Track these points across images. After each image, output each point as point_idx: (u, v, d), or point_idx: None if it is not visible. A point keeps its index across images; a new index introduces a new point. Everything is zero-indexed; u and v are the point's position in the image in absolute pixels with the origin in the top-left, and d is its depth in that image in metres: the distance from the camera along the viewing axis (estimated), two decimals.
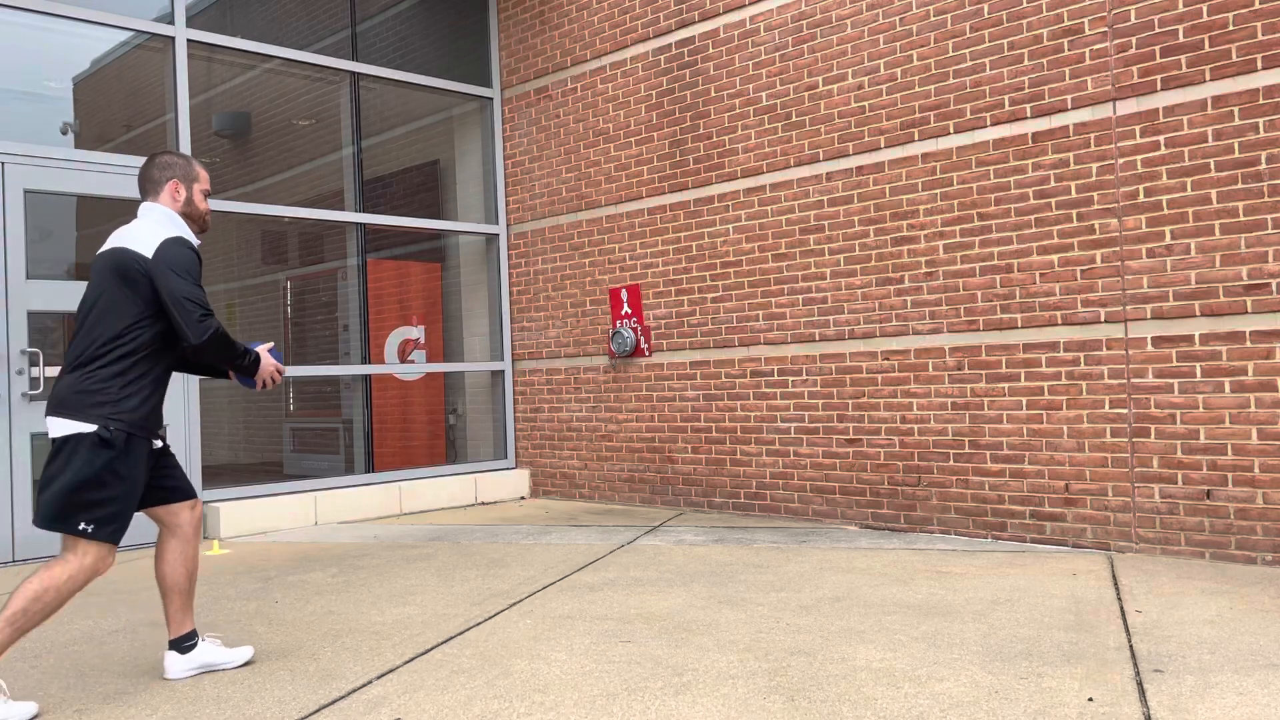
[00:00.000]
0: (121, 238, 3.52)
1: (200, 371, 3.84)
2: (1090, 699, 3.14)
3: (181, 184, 3.66)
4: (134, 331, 3.42)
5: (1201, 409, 5.17)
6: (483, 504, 8.32)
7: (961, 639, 3.84)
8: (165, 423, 3.56)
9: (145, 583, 5.43)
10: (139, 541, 6.64)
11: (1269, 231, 4.97)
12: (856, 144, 6.49)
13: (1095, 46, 5.52)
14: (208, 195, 3.77)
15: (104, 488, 3.33)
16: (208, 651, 3.71)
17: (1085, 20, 5.55)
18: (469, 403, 8.96)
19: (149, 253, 3.42)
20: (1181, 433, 5.23)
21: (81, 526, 3.31)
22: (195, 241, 3.60)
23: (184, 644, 3.66)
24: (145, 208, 3.62)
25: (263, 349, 3.76)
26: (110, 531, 3.35)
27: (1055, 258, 5.66)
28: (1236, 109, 5.06)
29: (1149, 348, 5.34)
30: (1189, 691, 3.20)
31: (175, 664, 3.66)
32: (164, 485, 3.61)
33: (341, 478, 7.82)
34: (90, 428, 3.31)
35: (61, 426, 3.34)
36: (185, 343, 3.45)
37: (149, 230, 3.50)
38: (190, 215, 3.67)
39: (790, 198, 6.84)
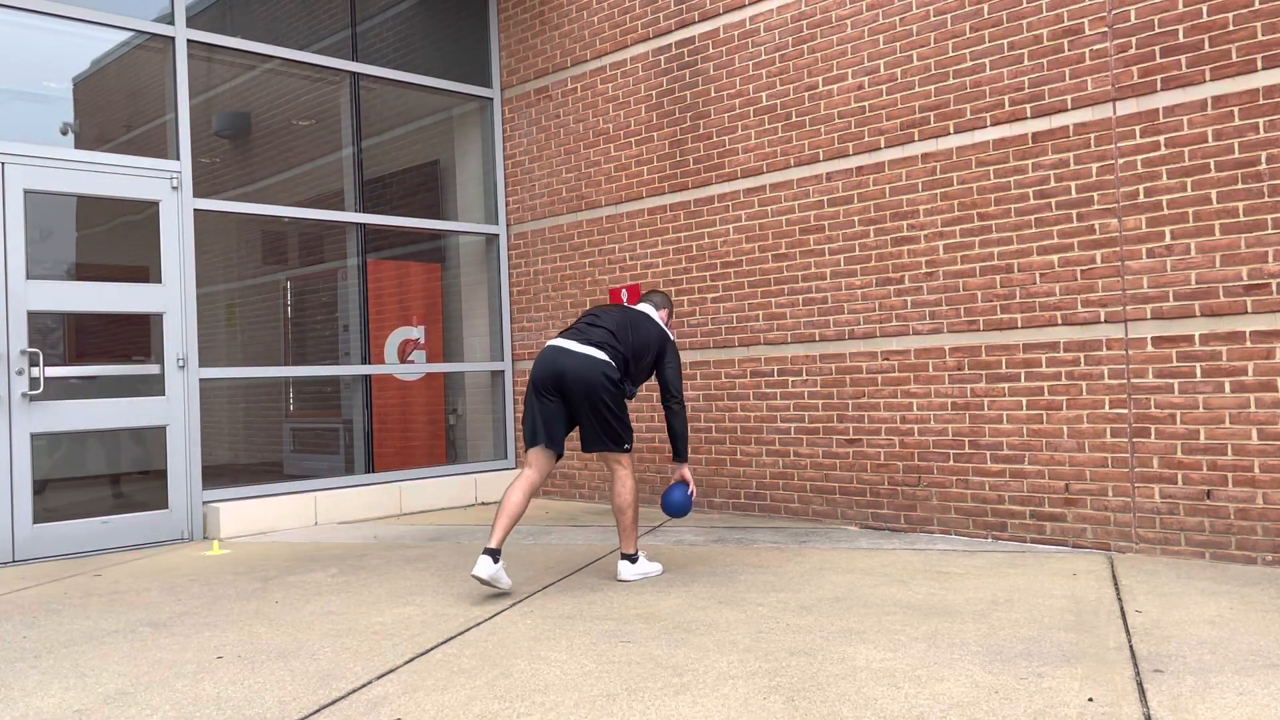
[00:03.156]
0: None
1: None
2: (1090, 699, 3.15)
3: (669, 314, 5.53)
4: None
5: (1201, 409, 5.17)
6: (483, 504, 8.32)
7: (961, 639, 3.84)
8: None
9: (145, 583, 5.43)
10: (138, 542, 6.65)
11: (1269, 231, 4.97)
12: (856, 144, 6.49)
13: (1095, 47, 5.52)
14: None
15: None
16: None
17: (1085, 20, 5.55)
18: (469, 403, 8.96)
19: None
20: (1181, 433, 5.23)
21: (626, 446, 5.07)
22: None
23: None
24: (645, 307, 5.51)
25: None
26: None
27: (1055, 258, 5.66)
28: (1236, 109, 5.06)
29: (1149, 348, 5.34)
30: (1189, 692, 3.20)
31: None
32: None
33: (341, 478, 7.83)
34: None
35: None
36: None
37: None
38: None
39: (790, 198, 6.84)
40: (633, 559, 5.11)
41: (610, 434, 4.97)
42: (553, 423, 4.94)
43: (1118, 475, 5.44)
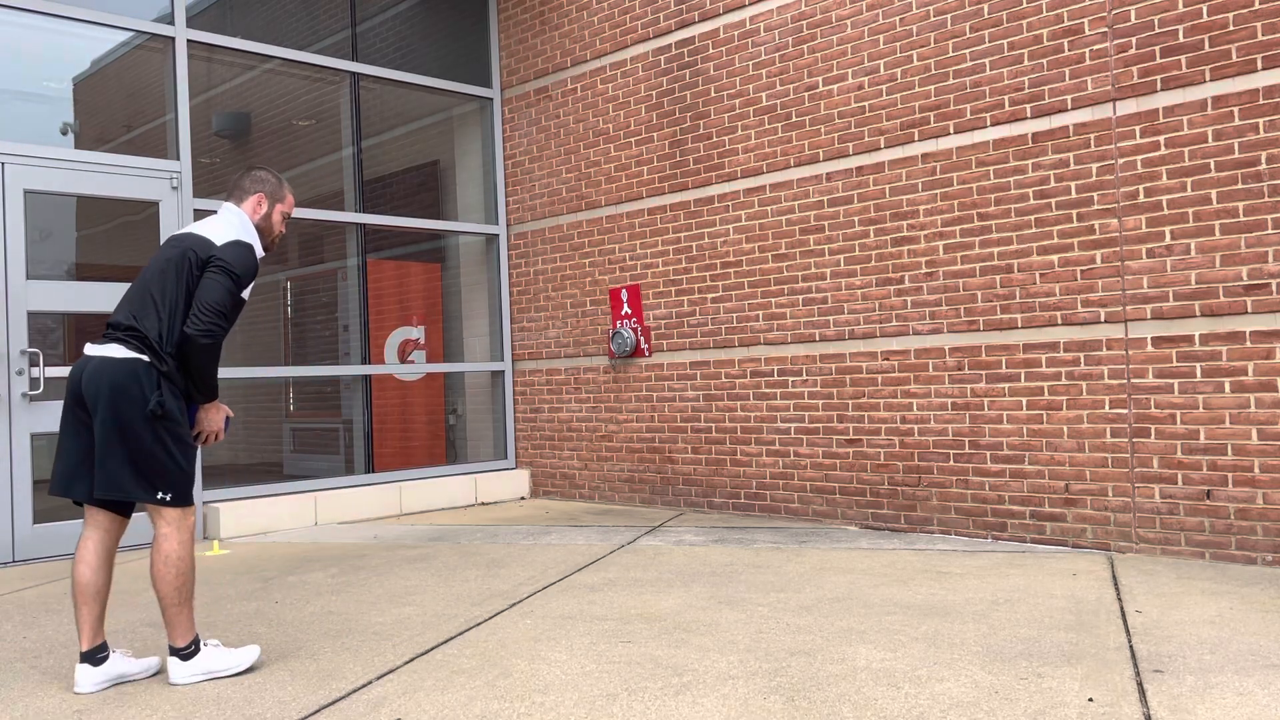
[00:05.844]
0: (196, 227, 3.77)
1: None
2: (1090, 699, 3.14)
3: (266, 200, 3.89)
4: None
5: (1201, 409, 5.17)
6: (483, 504, 8.32)
7: (961, 639, 3.84)
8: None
9: (145, 583, 5.43)
10: (138, 542, 6.64)
11: (1269, 231, 4.97)
12: (856, 144, 6.49)
13: (1095, 47, 5.52)
14: (287, 219, 3.99)
15: None
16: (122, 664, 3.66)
17: (1085, 20, 5.55)
18: (469, 403, 8.96)
19: (219, 243, 3.68)
20: (1181, 433, 5.23)
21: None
22: (260, 253, 3.82)
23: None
24: (225, 207, 3.85)
25: (225, 408, 3.82)
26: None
27: (1055, 258, 5.66)
28: (1236, 109, 5.06)
29: (1149, 348, 5.34)
30: (1189, 692, 3.20)
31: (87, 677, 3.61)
32: None
33: (341, 478, 7.82)
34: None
35: None
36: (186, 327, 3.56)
37: (223, 227, 3.75)
38: (263, 230, 3.89)
39: (790, 198, 6.84)
40: (187, 652, 3.63)
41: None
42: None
43: (1118, 475, 5.44)
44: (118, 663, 3.62)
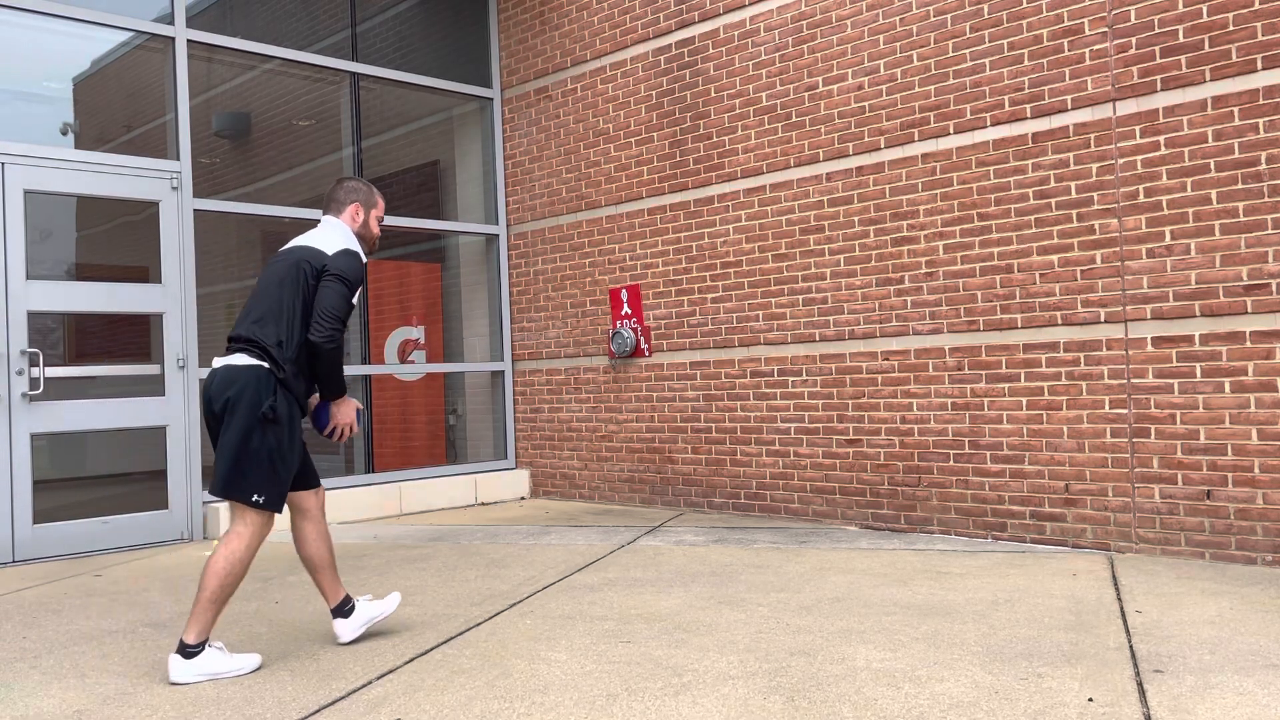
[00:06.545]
0: (304, 240, 4.00)
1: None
2: (1090, 699, 3.14)
3: (361, 208, 4.14)
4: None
5: (1201, 409, 5.17)
6: (483, 504, 8.32)
7: (961, 639, 3.84)
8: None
9: (145, 583, 5.43)
10: (138, 542, 6.65)
11: (1269, 231, 4.97)
12: (856, 144, 6.49)
13: (1095, 47, 5.52)
14: (381, 222, 4.24)
15: None
16: (368, 608, 4.10)
17: (1085, 20, 5.55)
18: (469, 403, 8.95)
19: (329, 253, 3.90)
20: (1181, 433, 5.23)
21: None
22: (364, 259, 4.06)
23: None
24: (326, 220, 4.10)
25: (354, 402, 4.10)
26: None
27: (1055, 258, 5.66)
28: (1236, 109, 5.06)
29: (1149, 348, 5.34)
30: (1189, 692, 3.20)
31: (344, 629, 4.05)
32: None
33: (341, 478, 7.82)
34: None
35: None
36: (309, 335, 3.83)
37: (330, 238, 3.98)
38: (363, 236, 4.14)
39: (790, 198, 6.84)
40: (193, 650, 3.66)
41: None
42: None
43: (1118, 475, 5.44)
44: (365, 607, 4.09)
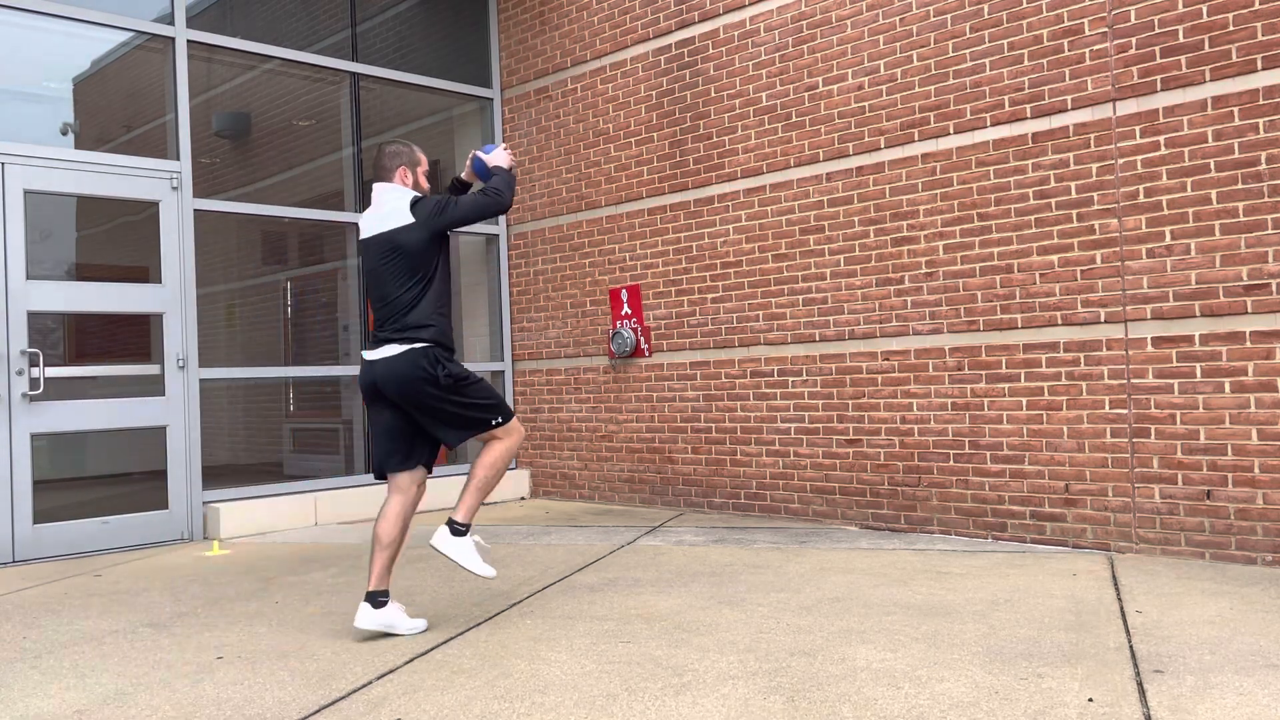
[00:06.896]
0: (382, 223, 4.18)
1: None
2: (1090, 699, 3.15)
3: (408, 169, 4.31)
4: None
5: (1201, 409, 5.17)
6: (483, 504, 8.31)
7: (961, 639, 3.84)
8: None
9: (145, 583, 5.43)
10: (138, 542, 6.64)
11: (1269, 231, 4.97)
12: (856, 144, 6.49)
13: (1095, 47, 5.52)
14: (427, 174, 4.39)
15: None
16: (393, 612, 4.13)
17: (1085, 20, 5.55)
18: None
19: (409, 218, 4.11)
20: (1181, 433, 5.23)
21: None
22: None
23: (378, 599, 4.08)
24: (382, 187, 4.27)
25: (498, 152, 4.37)
26: None
27: (1055, 258, 5.66)
28: (1236, 109, 5.06)
29: (1149, 348, 5.34)
30: (1189, 692, 3.20)
31: (366, 616, 4.10)
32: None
33: (341, 478, 7.82)
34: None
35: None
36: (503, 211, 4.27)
37: (399, 198, 4.17)
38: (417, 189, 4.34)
39: (790, 198, 6.84)
40: (464, 529, 4.33)
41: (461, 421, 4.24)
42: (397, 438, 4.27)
43: (1118, 475, 5.44)
44: (392, 611, 4.12)
